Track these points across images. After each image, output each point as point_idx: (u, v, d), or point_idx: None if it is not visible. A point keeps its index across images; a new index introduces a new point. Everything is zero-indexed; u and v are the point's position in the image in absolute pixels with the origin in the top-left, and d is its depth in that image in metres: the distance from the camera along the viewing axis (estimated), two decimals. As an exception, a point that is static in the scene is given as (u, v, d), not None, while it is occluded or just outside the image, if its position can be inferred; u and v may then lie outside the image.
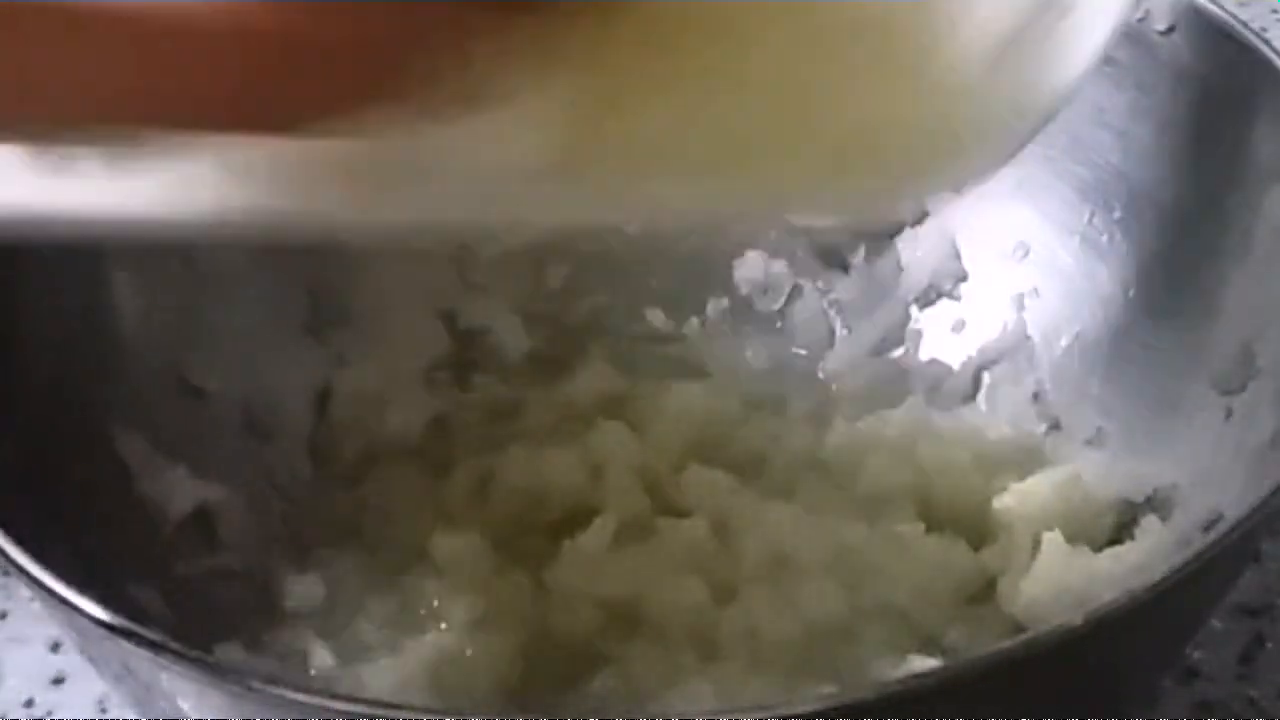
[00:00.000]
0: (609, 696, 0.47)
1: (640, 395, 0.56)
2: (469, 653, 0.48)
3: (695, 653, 0.48)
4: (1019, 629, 0.48)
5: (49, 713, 0.52)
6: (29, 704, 0.52)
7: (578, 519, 0.51)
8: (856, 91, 0.33)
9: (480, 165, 0.32)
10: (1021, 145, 0.36)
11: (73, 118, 0.30)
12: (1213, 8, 0.51)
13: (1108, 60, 0.51)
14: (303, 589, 0.51)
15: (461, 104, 0.31)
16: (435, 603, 0.50)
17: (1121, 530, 0.50)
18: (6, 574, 0.54)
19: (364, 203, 0.33)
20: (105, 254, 0.52)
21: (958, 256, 0.57)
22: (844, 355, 0.58)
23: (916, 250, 0.58)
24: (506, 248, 0.57)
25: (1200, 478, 0.48)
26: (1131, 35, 0.51)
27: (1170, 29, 0.51)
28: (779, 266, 0.59)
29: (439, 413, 0.56)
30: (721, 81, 0.33)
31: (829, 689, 0.46)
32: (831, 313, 0.59)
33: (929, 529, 0.51)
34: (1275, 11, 0.73)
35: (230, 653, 0.47)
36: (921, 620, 0.49)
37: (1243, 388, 0.48)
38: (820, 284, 0.59)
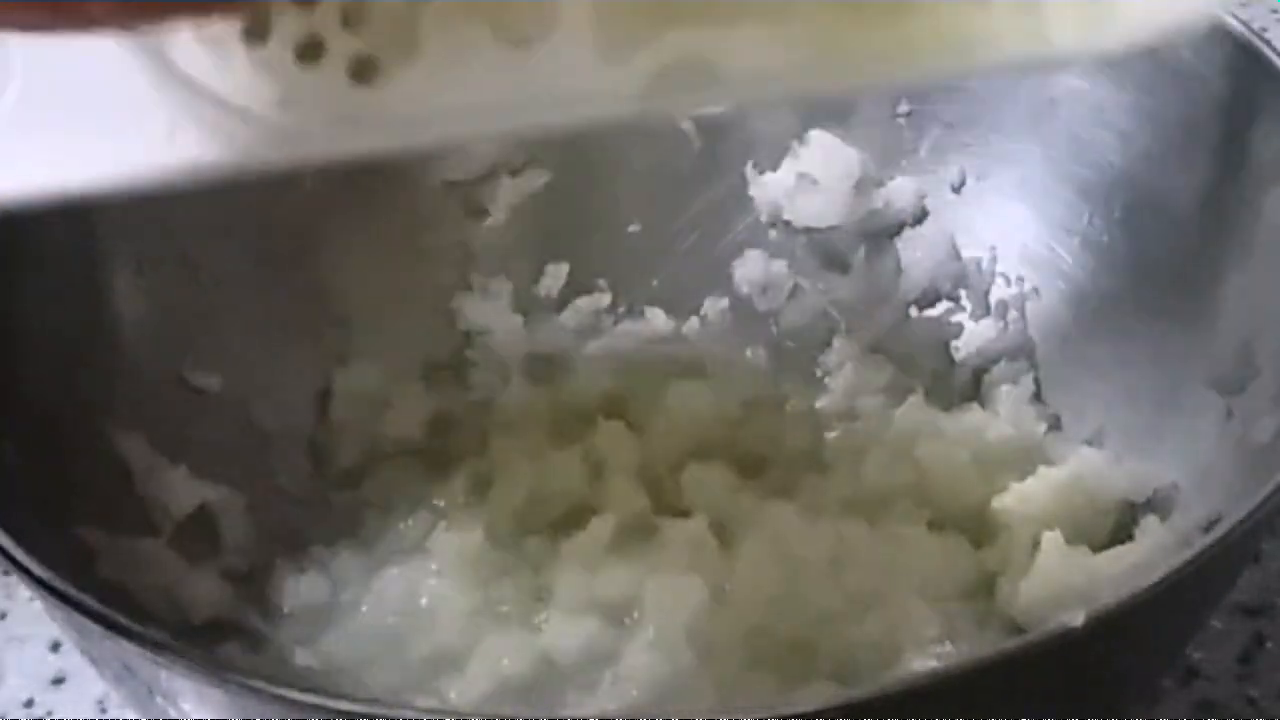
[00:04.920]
0: (609, 697, 0.47)
1: (640, 395, 0.56)
2: (469, 652, 0.48)
3: (695, 653, 0.48)
4: (1019, 629, 0.48)
5: (49, 713, 0.52)
6: (29, 704, 0.52)
7: (578, 519, 0.51)
8: None
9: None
10: None
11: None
12: (1213, 8, 0.50)
13: (1107, 61, 0.51)
14: (303, 589, 0.51)
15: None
16: (435, 602, 0.50)
17: (1121, 530, 0.50)
18: (6, 574, 0.54)
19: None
20: (106, 255, 0.52)
21: (958, 256, 0.57)
22: (844, 354, 0.58)
23: (916, 250, 0.58)
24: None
25: (1200, 478, 0.48)
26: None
27: (1170, 29, 0.51)
28: (779, 266, 0.59)
29: (439, 413, 0.56)
30: None
31: (829, 689, 0.46)
32: (832, 313, 0.59)
33: (929, 529, 0.51)
34: (1275, 11, 0.73)
35: (230, 653, 0.47)
36: (921, 620, 0.48)
37: (1243, 388, 0.48)
38: (820, 284, 0.59)
